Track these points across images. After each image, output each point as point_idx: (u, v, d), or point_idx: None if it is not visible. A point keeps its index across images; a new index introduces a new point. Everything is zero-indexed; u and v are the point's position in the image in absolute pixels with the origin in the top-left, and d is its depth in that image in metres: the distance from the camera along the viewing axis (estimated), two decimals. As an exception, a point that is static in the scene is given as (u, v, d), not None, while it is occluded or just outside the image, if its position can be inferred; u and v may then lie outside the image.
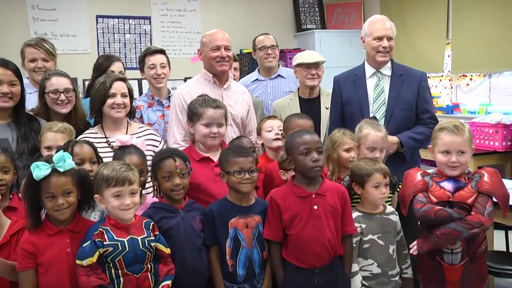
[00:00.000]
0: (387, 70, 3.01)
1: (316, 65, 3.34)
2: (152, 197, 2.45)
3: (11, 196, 2.30)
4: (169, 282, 2.04)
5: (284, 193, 2.25)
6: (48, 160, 1.95)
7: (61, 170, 1.93)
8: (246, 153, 2.27)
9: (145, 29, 5.64)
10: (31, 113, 2.78)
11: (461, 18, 5.05)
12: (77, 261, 1.91)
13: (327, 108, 3.33)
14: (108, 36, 5.49)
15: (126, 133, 2.59)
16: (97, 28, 5.43)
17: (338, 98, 3.08)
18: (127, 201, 1.96)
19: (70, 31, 5.30)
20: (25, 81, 3.14)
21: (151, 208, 2.22)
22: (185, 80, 5.11)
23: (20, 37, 4.10)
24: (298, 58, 3.42)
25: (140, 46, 5.56)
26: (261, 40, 3.91)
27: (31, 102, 2.95)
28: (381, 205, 2.40)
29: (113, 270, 1.93)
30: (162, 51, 3.48)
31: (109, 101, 2.56)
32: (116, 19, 5.51)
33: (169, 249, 2.09)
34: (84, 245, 1.92)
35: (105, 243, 1.93)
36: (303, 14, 6.29)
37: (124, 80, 2.67)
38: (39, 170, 1.90)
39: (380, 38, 2.93)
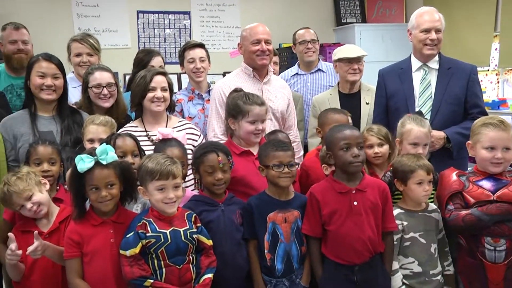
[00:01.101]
0: (434, 64, 2.92)
1: (358, 59, 3.29)
2: (192, 190, 2.47)
3: (58, 187, 2.37)
4: (210, 275, 2.05)
5: (323, 189, 2.23)
6: (92, 153, 1.99)
7: (104, 162, 1.97)
8: (285, 147, 2.26)
9: (184, 24, 5.68)
10: (75, 106, 2.85)
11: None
12: (121, 251, 1.94)
13: (367, 104, 3.27)
14: (149, 31, 5.56)
15: (166, 127, 2.61)
16: (137, 23, 5.51)
17: (383, 92, 3.02)
18: (170, 194, 1.97)
19: (111, 26, 5.40)
20: (71, 75, 3.23)
21: (192, 200, 2.23)
22: (224, 74, 5.12)
23: (65, 33, 4.22)
24: (339, 53, 3.36)
25: (180, 40, 5.61)
26: (301, 34, 3.87)
27: (76, 96, 3.03)
28: (423, 202, 2.34)
29: (155, 261, 1.96)
30: (201, 45, 3.49)
31: (149, 95, 2.59)
32: (156, 14, 5.58)
33: (211, 241, 2.10)
34: (127, 236, 1.95)
35: (148, 234, 1.95)
36: (343, 8, 6.18)
37: (164, 74, 2.69)
38: (83, 162, 1.94)
39: (427, 31, 2.84)
